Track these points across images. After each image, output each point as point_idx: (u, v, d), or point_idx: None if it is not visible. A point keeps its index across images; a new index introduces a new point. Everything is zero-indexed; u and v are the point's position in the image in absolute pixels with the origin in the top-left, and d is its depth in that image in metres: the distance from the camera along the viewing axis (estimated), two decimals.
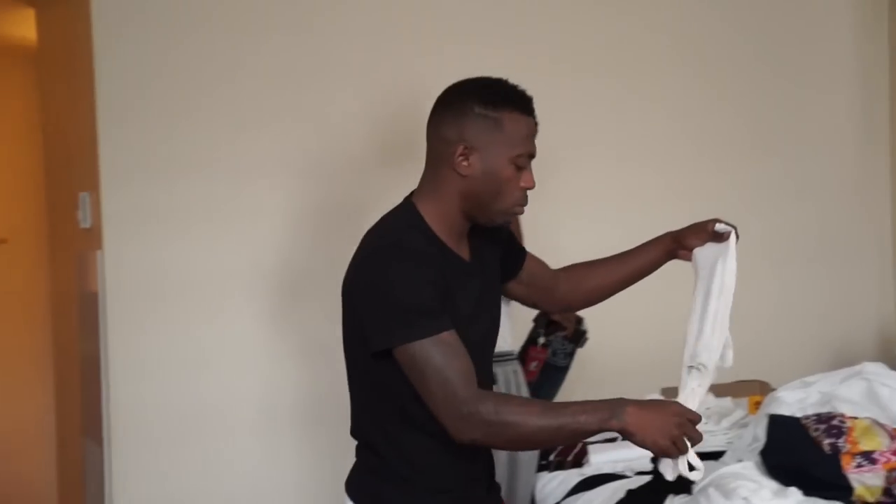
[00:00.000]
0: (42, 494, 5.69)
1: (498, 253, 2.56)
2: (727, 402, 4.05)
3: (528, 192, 2.34)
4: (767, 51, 4.92)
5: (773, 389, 3.94)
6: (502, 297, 3.31)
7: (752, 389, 4.17)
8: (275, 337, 4.09)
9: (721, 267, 2.53)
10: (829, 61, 5.01)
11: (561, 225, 4.41)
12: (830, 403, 3.53)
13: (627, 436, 2.19)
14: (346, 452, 4.04)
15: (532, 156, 2.34)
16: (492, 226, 2.40)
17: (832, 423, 3.26)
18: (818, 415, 3.36)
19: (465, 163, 2.28)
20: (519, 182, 2.32)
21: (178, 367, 3.97)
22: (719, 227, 2.57)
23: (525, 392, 3.44)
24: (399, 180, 4.01)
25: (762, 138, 4.87)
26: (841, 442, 3.18)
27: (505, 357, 3.39)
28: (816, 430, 3.27)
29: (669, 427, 2.17)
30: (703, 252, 2.60)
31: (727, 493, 3.03)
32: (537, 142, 2.35)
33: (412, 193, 2.45)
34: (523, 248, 2.67)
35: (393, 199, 3.89)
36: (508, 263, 2.61)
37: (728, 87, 4.81)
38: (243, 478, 4.03)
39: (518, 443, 2.29)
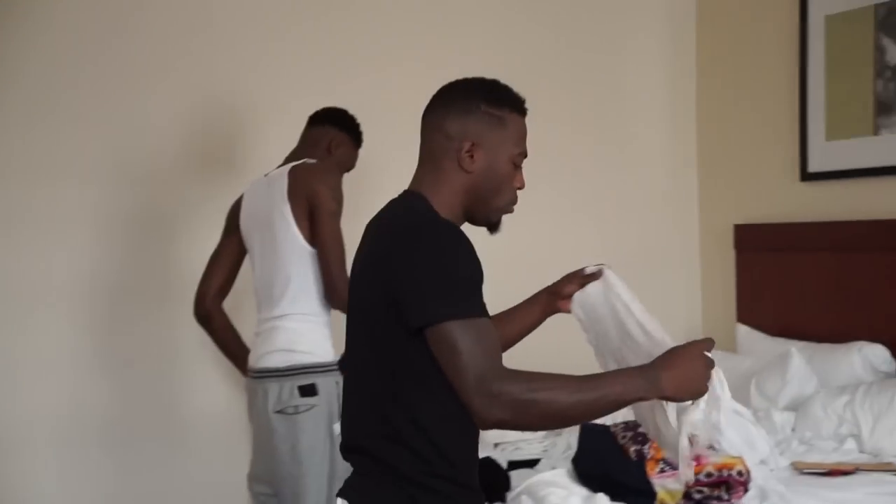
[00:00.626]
0: None
1: None
2: None
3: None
4: (595, 88, 4.98)
5: None
6: (321, 305, 3.29)
7: None
8: (81, 347, 3.93)
9: (616, 298, 2.51)
10: (644, 95, 5.07)
11: None
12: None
13: (669, 399, 2.14)
14: (154, 467, 3.99)
15: (525, 156, 2.35)
16: (486, 224, 2.35)
17: (639, 431, 3.34)
18: (626, 422, 3.45)
19: (469, 158, 2.27)
20: (514, 181, 2.33)
21: None
22: (590, 269, 2.57)
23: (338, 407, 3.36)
24: (213, 188, 4.00)
25: (589, 162, 4.94)
26: (646, 449, 3.28)
27: (328, 367, 3.27)
28: (624, 437, 3.35)
29: (700, 371, 2.12)
30: (586, 293, 2.58)
31: (538, 501, 3.08)
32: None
33: (411, 187, 2.35)
34: None
35: (206, 213, 3.85)
36: None
37: (559, 116, 4.77)
38: (43, 496, 3.86)
39: (552, 419, 2.16)
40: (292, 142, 3.61)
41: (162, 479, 4.03)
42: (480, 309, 2.06)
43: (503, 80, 2.34)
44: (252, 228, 3.40)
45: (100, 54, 3.93)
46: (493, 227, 2.36)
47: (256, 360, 3.31)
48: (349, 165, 3.54)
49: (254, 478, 3.41)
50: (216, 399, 4.01)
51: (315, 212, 3.23)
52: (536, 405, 1.97)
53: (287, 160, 3.43)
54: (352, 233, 2.60)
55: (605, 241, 4.94)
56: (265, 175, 3.41)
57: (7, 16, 3.80)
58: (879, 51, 4.34)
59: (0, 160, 3.80)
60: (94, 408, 3.95)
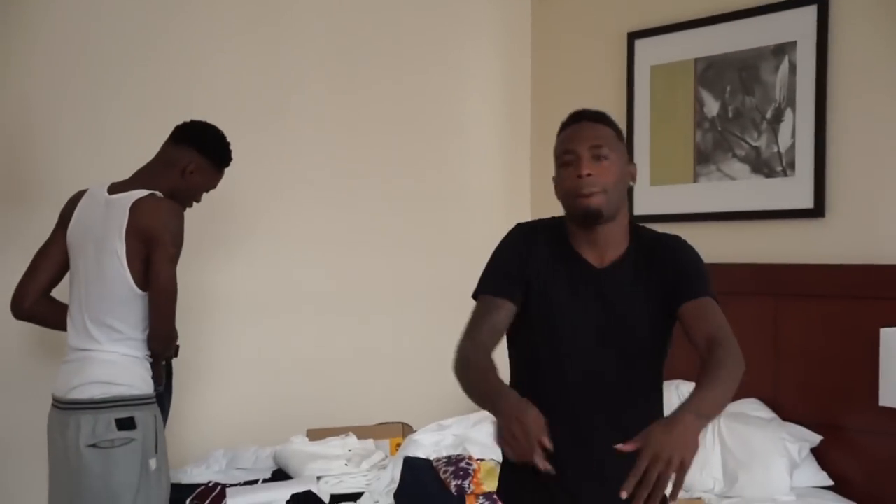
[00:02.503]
0: None
1: (663, 277, 2.50)
2: (369, 444, 4.14)
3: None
4: (426, 116, 5.04)
5: (414, 431, 4.11)
6: (142, 344, 3.18)
7: (394, 432, 4.27)
8: None
9: None
10: (476, 127, 5.15)
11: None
12: (462, 445, 3.71)
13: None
14: None
15: (568, 152, 2.52)
16: (579, 220, 2.49)
17: (460, 465, 3.43)
18: (449, 457, 3.53)
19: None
20: (564, 178, 2.50)
21: None
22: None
23: (163, 437, 3.25)
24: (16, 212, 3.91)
25: (416, 191, 4.98)
26: (467, 483, 3.36)
27: (147, 400, 3.20)
28: (446, 472, 3.43)
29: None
30: None
31: None
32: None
33: None
34: (691, 290, 2.49)
35: (10, 230, 3.74)
36: (673, 294, 2.50)
37: (389, 152, 4.89)
38: None
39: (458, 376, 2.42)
40: (96, 161, 3.60)
41: None
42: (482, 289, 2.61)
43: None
44: (79, 247, 3.28)
45: None
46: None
47: (67, 392, 3.18)
48: (205, 188, 3.42)
49: None
50: (23, 424, 3.77)
51: (152, 254, 3.15)
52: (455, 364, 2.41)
53: (135, 177, 3.30)
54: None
55: (441, 277, 4.98)
56: (108, 190, 3.26)
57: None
58: (699, 102, 4.56)
59: None
60: None
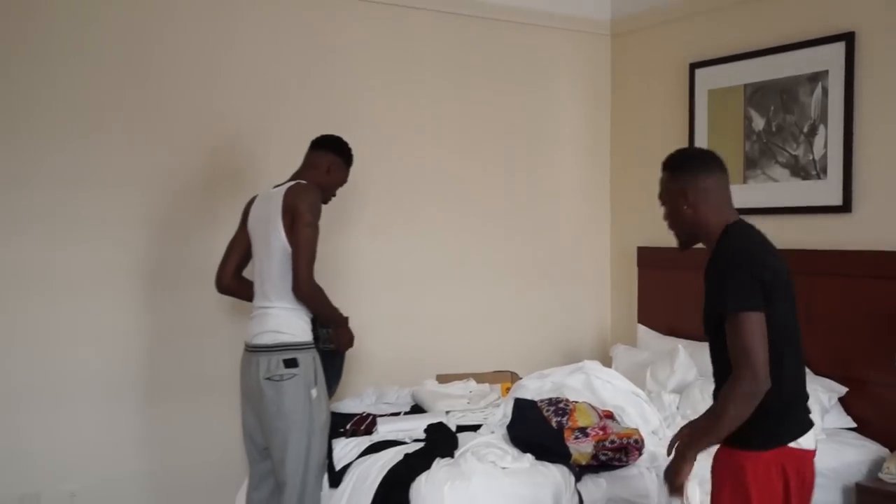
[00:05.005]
0: None
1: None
2: (485, 387, 4.10)
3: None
4: (524, 130, 4.95)
5: (520, 378, 4.05)
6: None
7: (504, 378, 4.24)
8: (113, 321, 3.80)
9: None
10: (567, 125, 5.05)
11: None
12: (560, 390, 3.65)
13: None
14: (174, 416, 3.92)
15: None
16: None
17: (559, 406, 3.37)
18: (550, 399, 3.47)
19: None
20: None
21: (34, 342, 3.62)
22: None
23: (321, 373, 3.26)
24: (219, 199, 3.96)
25: (518, 196, 4.90)
26: (565, 420, 3.30)
27: (306, 346, 3.23)
28: (548, 410, 3.38)
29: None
30: None
31: (481, 458, 3.10)
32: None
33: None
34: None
35: (220, 217, 3.80)
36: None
37: (494, 157, 4.81)
38: (90, 433, 3.75)
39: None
40: (279, 162, 3.58)
41: (179, 424, 3.99)
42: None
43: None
44: (255, 231, 3.35)
45: (138, 92, 3.84)
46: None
47: (251, 338, 3.26)
48: (342, 181, 3.46)
49: (247, 430, 3.36)
50: (223, 364, 3.89)
51: (295, 221, 3.17)
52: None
53: (292, 178, 3.36)
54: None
55: (538, 258, 4.98)
56: (273, 187, 3.34)
57: (63, 57, 3.73)
58: (748, 119, 4.40)
59: (59, 175, 3.71)
60: (131, 368, 3.90)
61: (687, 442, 2.38)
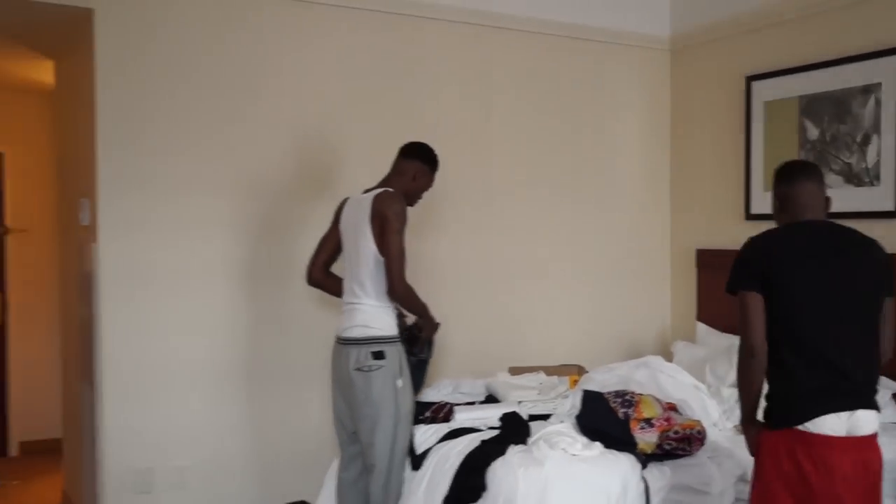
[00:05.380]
0: (50, 421, 5.54)
1: None
2: (554, 379, 4.13)
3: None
4: (588, 140, 4.93)
5: (587, 372, 4.10)
6: (386, 296, 3.27)
7: (572, 371, 4.26)
8: (220, 314, 4.02)
9: None
10: (628, 136, 5.07)
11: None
12: (625, 383, 3.68)
13: None
14: (271, 400, 4.09)
15: None
16: None
17: (625, 398, 3.39)
18: (616, 391, 3.49)
19: None
20: None
21: (149, 330, 3.88)
22: None
23: (406, 365, 3.33)
24: (311, 201, 4.09)
25: (585, 197, 4.95)
26: (631, 411, 3.31)
27: (393, 340, 3.30)
28: (615, 402, 3.39)
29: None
30: None
31: (552, 445, 3.12)
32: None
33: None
34: None
35: (312, 218, 3.94)
36: None
37: (560, 166, 4.86)
38: (197, 415, 3.96)
39: None
40: (368, 169, 3.67)
41: (276, 409, 4.11)
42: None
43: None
44: (346, 232, 3.42)
45: (239, 105, 4.01)
46: None
47: (342, 332, 3.34)
48: (427, 186, 3.49)
49: (338, 416, 3.44)
50: (313, 354, 4.01)
51: (384, 228, 3.23)
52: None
53: (380, 184, 3.41)
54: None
55: (602, 259, 5.00)
56: (364, 192, 3.41)
57: (186, 83, 3.93)
58: (803, 129, 4.38)
59: (178, 180, 3.91)
60: (234, 357, 4.04)
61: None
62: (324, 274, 3.55)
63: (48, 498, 4.97)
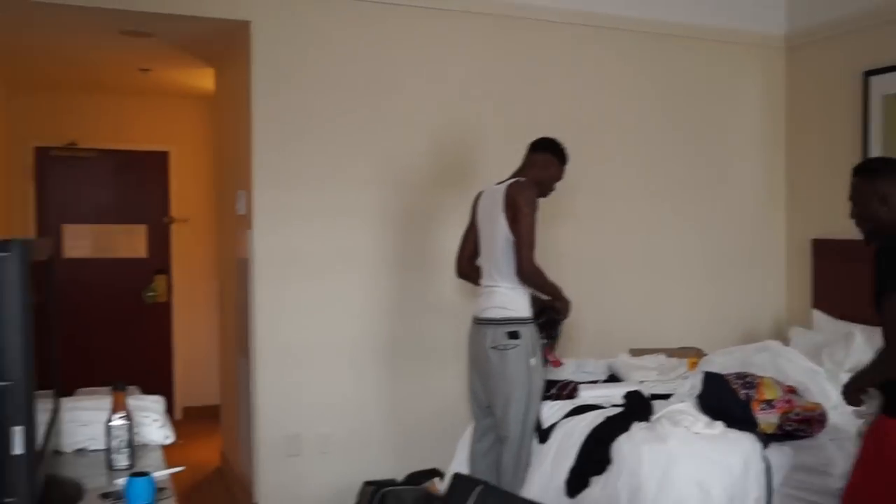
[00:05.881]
0: (210, 388, 5.83)
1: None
2: (674, 361, 4.07)
3: None
4: (700, 126, 4.82)
5: (705, 354, 4.02)
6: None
7: (691, 354, 4.19)
8: (361, 296, 4.11)
9: None
10: (742, 131, 4.93)
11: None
12: (745, 366, 3.59)
13: None
14: (411, 377, 4.17)
15: None
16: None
17: (746, 380, 3.30)
18: (737, 373, 3.41)
19: None
20: None
21: (299, 310, 4.01)
22: None
23: (539, 346, 3.32)
24: (449, 193, 4.14)
25: (701, 188, 4.85)
26: (752, 392, 3.23)
27: (527, 321, 3.30)
28: (736, 383, 3.30)
29: None
30: None
31: (675, 423, 3.09)
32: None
33: None
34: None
35: (447, 209, 4.00)
36: None
37: (678, 159, 4.78)
38: (341, 387, 4.07)
39: None
40: (498, 164, 3.68)
41: (414, 384, 4.18)
42: None
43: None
44: (482, 221, 3.44)
45: (382, 105, 4.10)
46: None
47: (480, 312, 3.37)
48: (557, 178, 3.47)
49: (473, 391, 3.49)
50: (449, 335, 4.07)
51: (516, 214, 3.24)
52: None
53: (512, 175, 3.43)
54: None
55: (717, 249, 4.89)
56: (496, 184, 3.43)
57: (334, 88, 4.03)
58: None
59: (325, 175, 4.03)
60: (374, 334, 4.12)
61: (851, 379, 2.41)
62: (470, 266, 3.58)
63: (208, 458, 5.21)
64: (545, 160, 3.44)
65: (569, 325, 3.80)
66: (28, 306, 1.43)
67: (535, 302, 3.38)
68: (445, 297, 4.16)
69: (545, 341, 3.41)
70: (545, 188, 3.45)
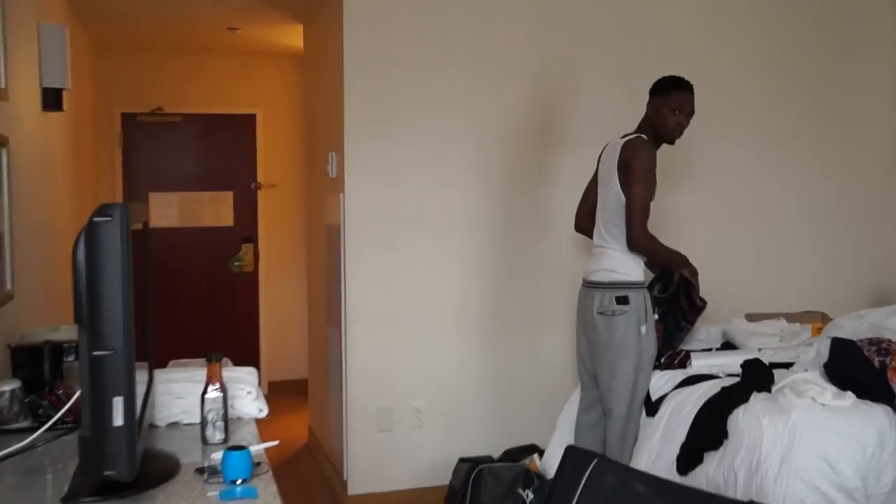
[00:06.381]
0: (297, 361, 5.98)
1: None
2: (796, 326, 3.94)
3: None
4: (825, 69, 4.69)
5: (831, 319, 3.88)
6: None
7: (815, 318, 4.05)
8: (460, 259, 4.14)
9: None
10: (869, 74, 4.75)
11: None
12: (879, 331, 3.44)
13: None
14: (514, 342, 4.18)
15: None
16: None
17: (881, 346, 3.18)
18: (870, 339, 3.28)
19: None
20: None
21: (391, 277, 4.06)
22: None
23: (651, 311, 3.27)
24: (560, 153, 4.09)
25: (825, 136, 4.69)
26: (888, 360, 3.11)
27: (638, 285, 3.26)
28: (869, 350, 3.19)
29: None
30: None
31: (800, 394, 3.00)
32: None
33: None
34: None
35: (555, 165, 3.97)
36: None
37: (796, 95, 4.64)
38: (438, 357, 4.12)
39: None
40: (606, 114, 3.73)
41: (520, 352, 4.22)
42: None
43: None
44: (601, 177, 3.40)
45: (472, 56, 4.11)
46: None
47: (589, 275, 3.35)
48: (682, 113, 3.27)
49: (581, 358, 3.48)
50: (564, 297, 4.07)
51: (628, 177, 3.20)
52: None
53: (637, 128, 3.36)
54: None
55: (843, 202, 4.74)
56: (621, 137, 3.36)
57: (427, 47, 4.05)
58: None
59: (418, 135, 4.07)
60: (475, 298, 4.17)
61: None
62: (589, 221, 3.55)
63: (296, 434, 5.35)
64: (655, 105, 3.34)
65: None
66: (128, 274, 1.45)
67: (662, 278, 3.32)
68: (558, 258, 4.16)
69: (685, 328, 3.38)
70: (669, 133, 3.32)
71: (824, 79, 4.68)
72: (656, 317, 3.33)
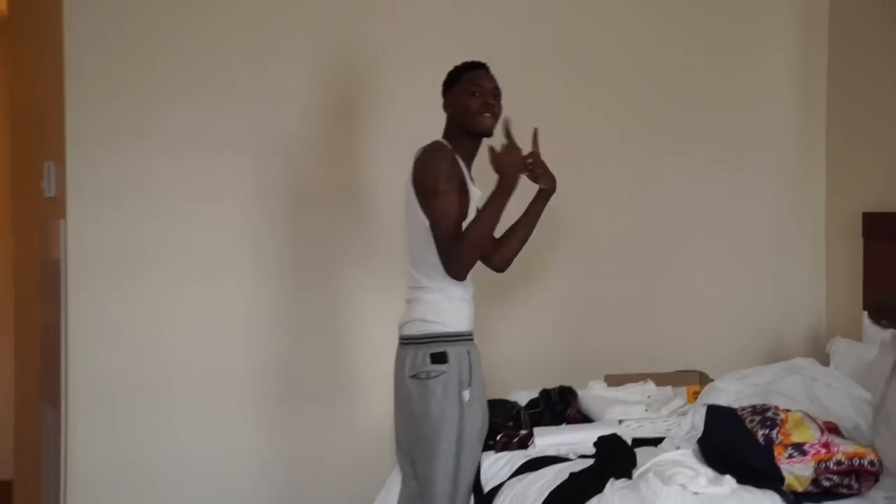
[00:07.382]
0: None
1: None
2: (668, 390, 4.06)
3: None
4: (718, 72, 4.93)
5: (712, 380, 3.99)
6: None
7: (691, 380, 4.16)
8: (238, 308, 4.08)
9: None
10: (770, 76, 5.00)
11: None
12: (766, 396, 3.57)
13: None
14: (293, 423, 4.08)
15: None
16: None
17: (767, 415, 3.27)
18: (754, 406, 3.38)
19: None
20: None
21: (137, 334, 3.93)
22: None
23: (479, 372, 3.29)
24: (372, 167, 4.07)
25: (709, 143, 4.88)
26: (774, 433, 3.19)
27: (459, 337, 3.27)
28: (752, 420, 3.27)
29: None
30: None
31: (665, 480, 3.02)
32: None
33: None
34: None
35: (366, 183, 3.93)
36: None
37: (682, 100, 4.83)
38: (198, 443, 4.01)
39: None
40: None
41: (325, 432, 4.20)
42: None
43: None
44: (405, 208, 3.40)
45: (240, 31, 4.09)
46: None
47: (400, 328, 3.34)
48: (479, 96, 3.29)
49: (398, 441, 3.44)
50: (382, 356, 3.89)
51: (424, 195, 3.22)
52: None
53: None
54: None
55: (733, 225, 4.92)
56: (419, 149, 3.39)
57: (182, 11, 4.01)
58: None
59: (175, 134, 3.99)
60: (256, 366, 4.13)
61: None
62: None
63: None
64: (451, 99, 3.36)
65: (517, 346, 3.75)
66: None
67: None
68: (375, 303, 4.15)
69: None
70: (477, 120, 3.30)
71: (718, 83, 4.91)
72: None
